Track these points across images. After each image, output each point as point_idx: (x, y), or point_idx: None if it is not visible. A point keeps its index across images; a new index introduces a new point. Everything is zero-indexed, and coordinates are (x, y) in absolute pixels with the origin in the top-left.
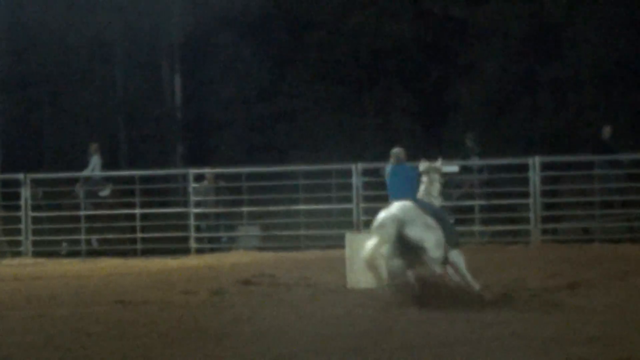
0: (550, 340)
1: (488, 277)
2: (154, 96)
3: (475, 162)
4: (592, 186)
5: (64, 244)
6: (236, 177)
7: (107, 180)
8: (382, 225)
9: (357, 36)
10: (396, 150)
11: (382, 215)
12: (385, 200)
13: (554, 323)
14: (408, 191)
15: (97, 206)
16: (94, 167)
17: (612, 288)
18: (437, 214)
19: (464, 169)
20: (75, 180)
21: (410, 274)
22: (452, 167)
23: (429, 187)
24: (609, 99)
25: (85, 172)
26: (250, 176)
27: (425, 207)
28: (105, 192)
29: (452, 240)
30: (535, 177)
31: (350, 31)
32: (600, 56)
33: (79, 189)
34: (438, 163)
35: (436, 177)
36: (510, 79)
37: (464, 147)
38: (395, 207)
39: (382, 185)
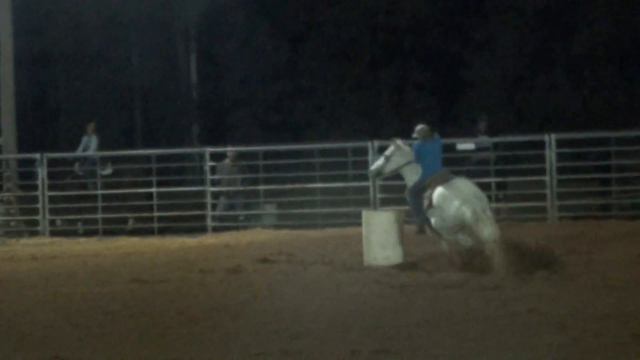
0: (566, 316)
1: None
2: (169, 75)
3: (486, 139)
4: (609, 162)
5: (79, 224)
6: (253, 155)
7: (107, 159)
8: (477, 197)
9: (373, 13)
10: (421, 127)
11: (465, 189)
12: (400, 179)
13: (571, 299)
14: (439, 164)
15: (108, 186)
16: (86, 147)
17: (628, 265)
18: None
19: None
20: (75, 161)
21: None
22: (468, 145)
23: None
24: (625, 75)
25: (77, 152)
26: (267, 154)
27: None
28: (107, 171)
29: None
30: (551, 154)
31: (366, 8)
32: (616, 32)
33: (79, 169)
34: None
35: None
36: (526, 56)
37: (474, 127)
38: (468, 183)
39: None
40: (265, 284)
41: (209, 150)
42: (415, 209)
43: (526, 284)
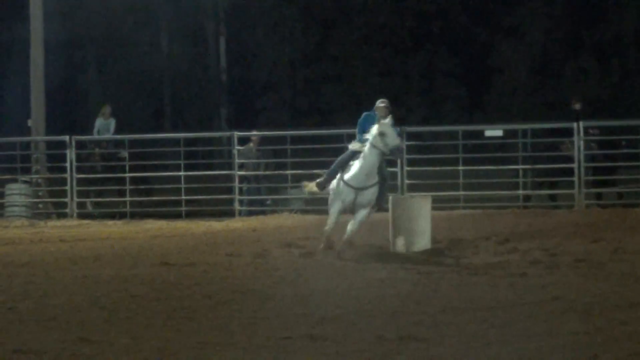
0: (591, 305)
1: (532, 241)
2: (198, 59)
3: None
4: (637, 151)
5: (91, 203)
6: (281, 139)
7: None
8: None
9: None
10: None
11: None
12: (430, 164)
13: (596, 287)
14: None
15: (134, 169)
16: (103, 130)
17: None
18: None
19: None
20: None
21: None
22: (496, 131)
23: None
24: None
25: (95, 136)
26: (295, 139)
27: None
28: (123, 153)
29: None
30: (579, 141)
31: None
32: None
33: (98, 151)
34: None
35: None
36: (555, 43)
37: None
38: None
39: (426, 149)
40: (291, 269)
41: (237, 134)
42: None
43: (552, 271)
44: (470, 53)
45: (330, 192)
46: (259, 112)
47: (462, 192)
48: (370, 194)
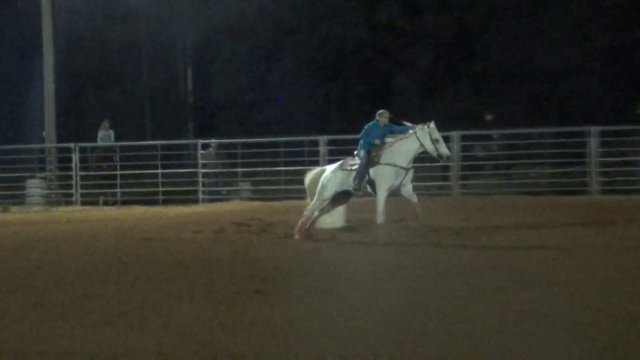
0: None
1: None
2: (171, 85)
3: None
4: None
5: (101, 197)
6: (233, 146)
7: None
8: None
9: (326, 39)
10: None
11: None
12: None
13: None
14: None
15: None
16: (106, 139)
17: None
18: None
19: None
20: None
21: None
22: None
23: None
24: None
25: (99, 143)
26: (244, 145)
27: None
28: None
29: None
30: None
31: (320, 35)
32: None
33: (93, 156)
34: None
35: None
36: (439, 73)
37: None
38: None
39: (342, 152)
40: (242, 241)
41: (200, 142)
42: None
43: (432, 242)
44: (375, 80)
45: (323, 183)
46: (217, 125)
47: None
48: (411, 173)
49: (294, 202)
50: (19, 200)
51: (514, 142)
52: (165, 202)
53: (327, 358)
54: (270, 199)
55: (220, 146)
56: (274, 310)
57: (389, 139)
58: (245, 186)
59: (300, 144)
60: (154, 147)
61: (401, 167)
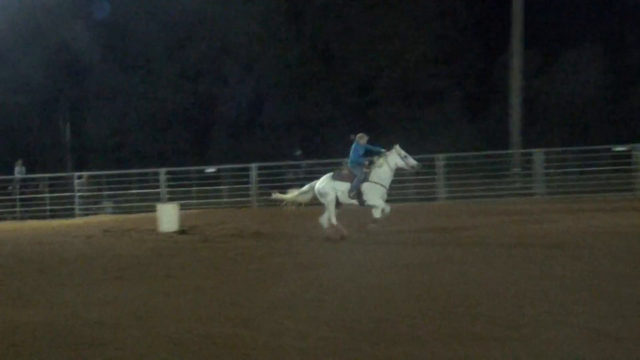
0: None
1: (240, 223)
2: (53, 136)
3: None
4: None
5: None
6: (100, 176)
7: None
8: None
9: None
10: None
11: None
12: None
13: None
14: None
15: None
16: (20, 172)
17: None
18: None
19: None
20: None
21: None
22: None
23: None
24: None
25: (16, 176)
26: (108, 176)
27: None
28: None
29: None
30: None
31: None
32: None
33: (12, 186)
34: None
35: None
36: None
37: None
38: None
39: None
40: (108, 242)
41: (76, 174)
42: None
43: (235, 239)
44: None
45: (320, 193)
46: (90, 161)
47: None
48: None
49: (144, 214)
50: None
51: None
52: (52, 217)
53: (164, 321)
54: (127, 213)
55: (89, 177)
56: (128, 290)
57: (375, 161)
58: (109, 204)
59: (146, 174)
60: (44, 178)
61: (384, 186)
